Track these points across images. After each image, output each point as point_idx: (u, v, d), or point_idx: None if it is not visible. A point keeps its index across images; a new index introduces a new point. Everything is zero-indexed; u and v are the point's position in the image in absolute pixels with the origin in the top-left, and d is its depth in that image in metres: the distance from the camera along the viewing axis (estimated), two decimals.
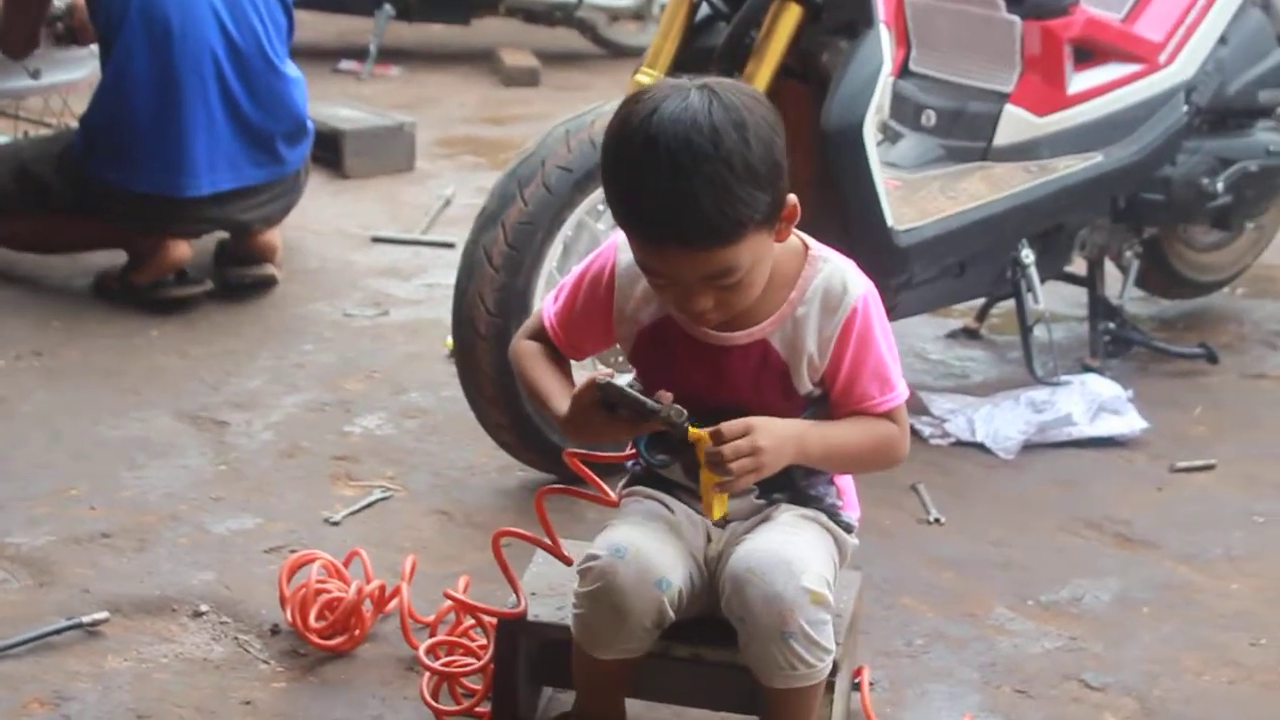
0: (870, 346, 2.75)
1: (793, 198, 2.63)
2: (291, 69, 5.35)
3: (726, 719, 3.09)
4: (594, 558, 2.73)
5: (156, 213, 5.15)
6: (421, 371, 4.80)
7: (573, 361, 2.92)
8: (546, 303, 2.91)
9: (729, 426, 2.64)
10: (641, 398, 2.64)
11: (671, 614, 2.73)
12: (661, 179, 2.51)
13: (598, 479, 2.98)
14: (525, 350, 2.90)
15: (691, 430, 2.64)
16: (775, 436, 2.65)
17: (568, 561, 2.92)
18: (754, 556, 2.68)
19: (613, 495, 2.96)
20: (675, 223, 2.52)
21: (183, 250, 5.20)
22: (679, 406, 2.64)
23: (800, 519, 2.81)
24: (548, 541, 2.98)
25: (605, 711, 2.94)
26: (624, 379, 2.71)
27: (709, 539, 2.84)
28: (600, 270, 2.84)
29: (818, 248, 2.78)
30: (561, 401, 2.77)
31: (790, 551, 2.69)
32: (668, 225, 2.53)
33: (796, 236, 2.77)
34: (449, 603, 3.31)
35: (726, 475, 2.63)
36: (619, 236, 2.78)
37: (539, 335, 2.90)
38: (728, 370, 2.76)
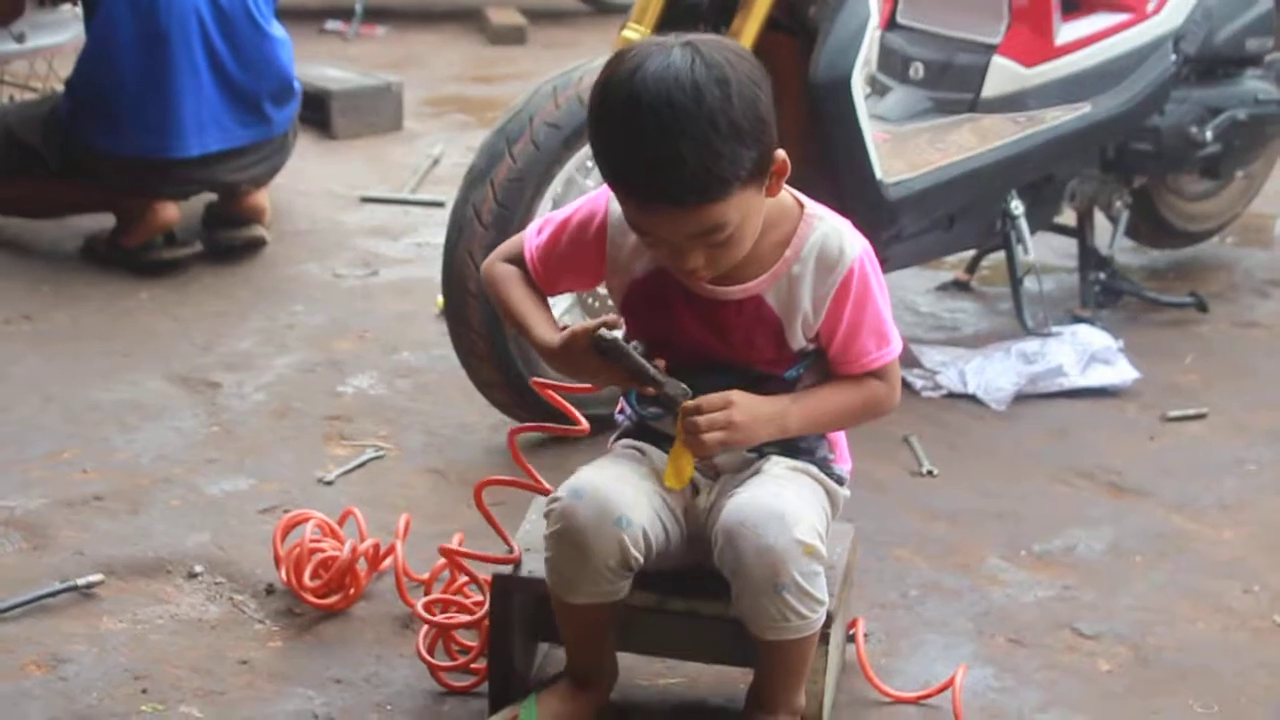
0: (867, 305, 2.76)
1: (781, 153, 2.63)
2: (277, 29, 5.33)
3: (721, 671, 3.10)
4: (555, 500, 2.76)
5: (144, 175, 5.13)
6: (412, 331, 4.80)
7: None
8: (529, 233, 2.91)
9: (708, 400, 2.67)
10: (644, 364, 2.66)
11: (635, 553, 2.73)
12: (646, 139, 2.50)
13: (569, 405, 2.99)
14: (504, 273, 2.89)
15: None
16: (752, 414, 2.69)
17: (549, 494, 2.92)
18: (746, 509, 2.69)
19: (584, 422, 2.97)
20: (661, 182, 2.52)
21: (171, 212, 5.19)
22: (683, 386, 2.68)
23: (791, 471, 2.82)
24: (529, 482, 3.00)
25: (594, 663, 2.95)
26: (619, 333, 2.72)
27: (696, 491, 2.85)
28: (590, 216, 2.84)
29: (813, 206, 2.78)
30: (545, 331, 2.78)
31: (782, 504, 2.69)
32: (654, 185, 2.53)
33: (791, 195, 2.77)
34: (443, 560, 3.33)
35: (698, 442, 2.67)
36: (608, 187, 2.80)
37: (516, 262, 2.90)
38: (721, 324, 2.76)
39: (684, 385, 2.69)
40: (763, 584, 2.66)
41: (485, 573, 3.09)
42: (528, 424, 3.27)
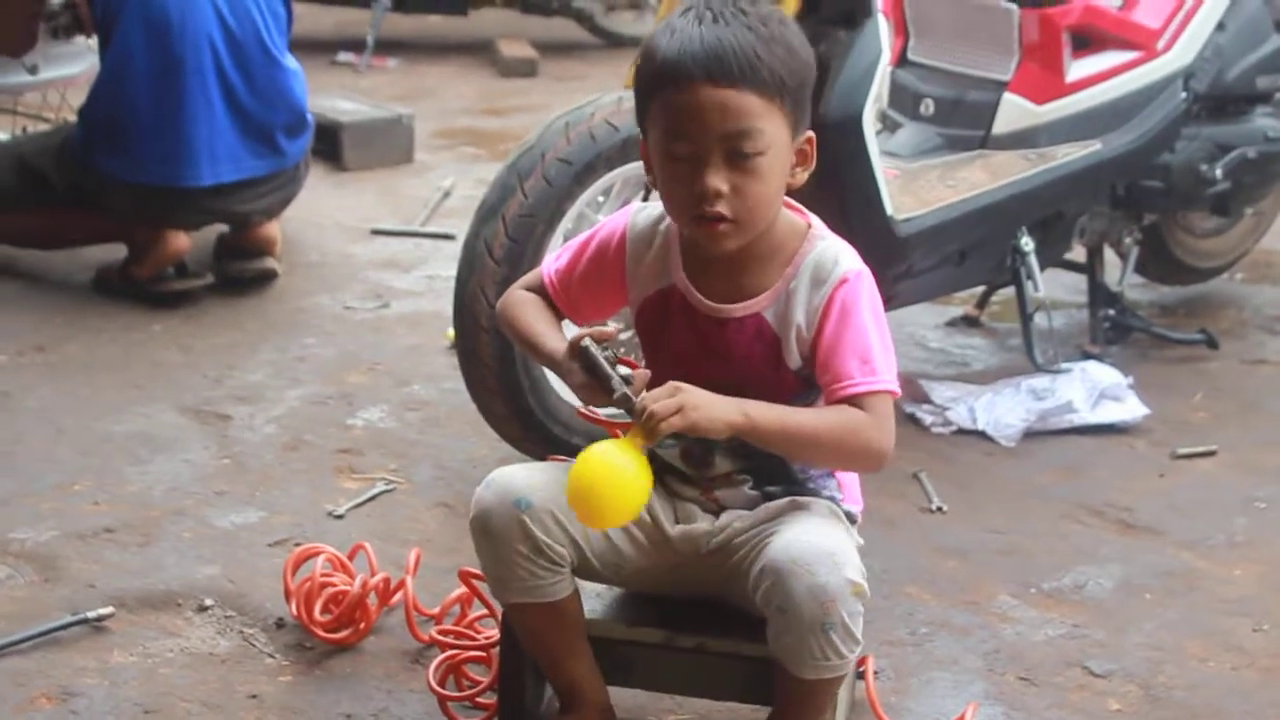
0: (851, 321, 2.73)
1: (811, 134, 2.72)
2: (290, 61, 5.35)
3: (731, 709, 3.10)
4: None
5: (157, 204, 5.15)
6: (423, 364, 4.81)
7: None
8: (546, 261, 2.94)
9: (654, 392, 2.62)
10: (610, 372, 2.65)
11: (543, 537, 2.75)
12: (700, 24, 2.63)
13: (614, 426, 2.98)
14: (518, 298, 2.93)
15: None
16: (705, 395, 2.64)
17: None
18: (796, 547, 2.66)
19: None
20: (713, 57, 2.60)
21: (182, 242, 5.20)
22: (627, 393, 2.63)
23: (824, 511, 2.81)
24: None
25: (569, 682, 2.91)
26: (621, 345, 2.73)
27: (678, 519, 2.86)
28: (610, 235, 2.86)
29: (820, 228, 2.81)
30: (554, 343, 2.80)
31: (833, 544, 2.68)
32: (705, 60, 2.60)
33: (802, 215, 2.80)
34: (454, 594, 3.34)
35: (656, 429, 2.59)
36: (632, 205, 2.85)
37: (535, 290, 2.93)
38: (721, 342, 2.78)
39: (639, 402, 2.62)
40: (812, 623, 2.65)
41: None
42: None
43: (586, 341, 2.67)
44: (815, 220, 2.82)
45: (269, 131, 5.27)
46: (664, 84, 2.65)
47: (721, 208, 2.64)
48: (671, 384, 2.64)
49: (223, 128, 5.16)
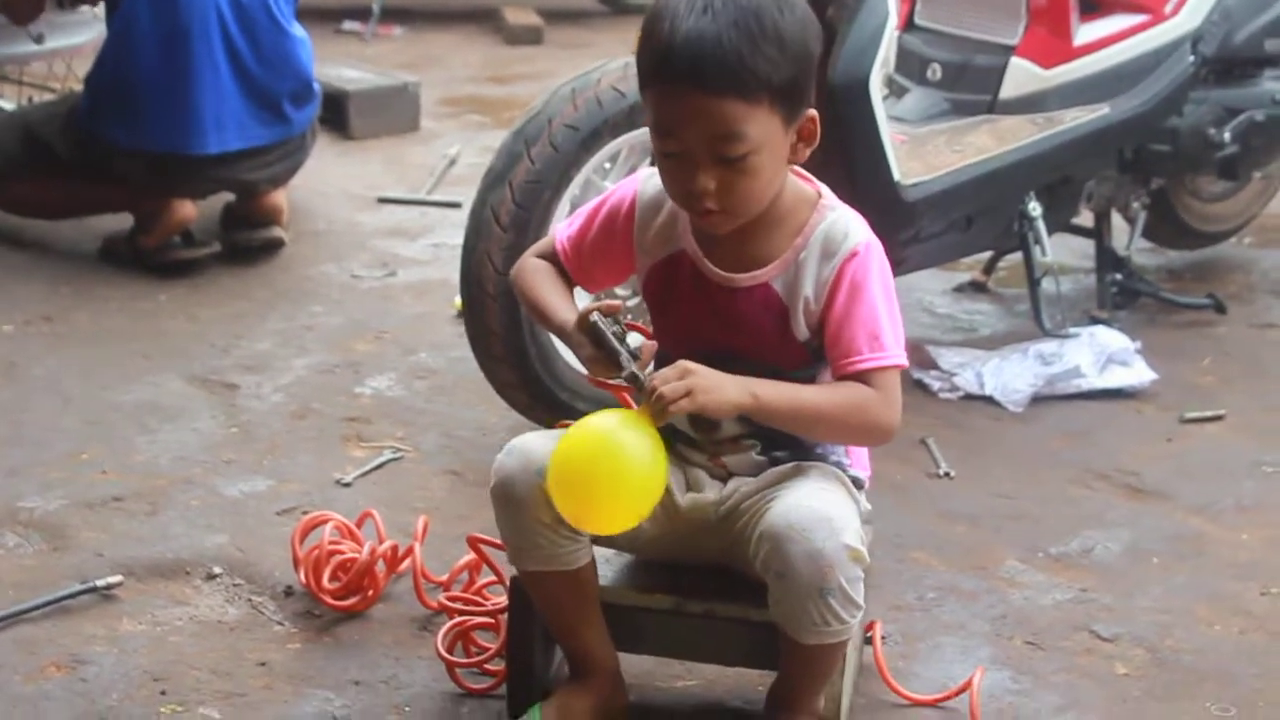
0: (862, 295, 2.72)
1: (813, 112, 2.67)
2: (298, 29, 5.35)
3: (740, 674, 3.11)
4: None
5: (163, 171, 5.15)
6: (430, 332, 4.81)
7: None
8: (559, 226, 2.94)
9: (663, 373, 2.62)
10: (618, 348, 2.65)
11: None
12: (689, 17, 2.56)
13: (622, 390, 2.97)
14: (531, 265, 2.92)
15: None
16: (713, 375, 2.63)
17: None
18: (794, 513, 2.66)
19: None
20: (696, 59, 2.55)
21: (188, 210, 5.20)
22: (643, 374, 2.63)
23: (826, 475, 2.81)
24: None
25: (582, 651, 2.93)
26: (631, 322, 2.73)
27: (688, 487, 2.87)
28: (620, 201, 2.86)
29: (830, 198, 2.79)
30: (564, 313, 2.79)
31: (831, 509, 2.68)
32: (687, 62, 2.56)
33: (811, 185, 2.79)
34: (462, 561, 3.34)
35: (664, 412, 2.59)
36: (642, 172, 2.83)
37: (547, 257, 2.92)
38: (729, 311, 2.77)
39: (645, 378, 2.63)
40: (810, 588, 2.65)
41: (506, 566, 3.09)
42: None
43: (595, 317, 2.67)
44: (825, 190, 2.80)
45: (275, 99, 5.26)
46: (652, 78, 2.64)
47: (711, 204, 2.65)
48: (681, 364, 2.63)
49: (229, 95, 5.15)
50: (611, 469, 2.58)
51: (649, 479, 2.60)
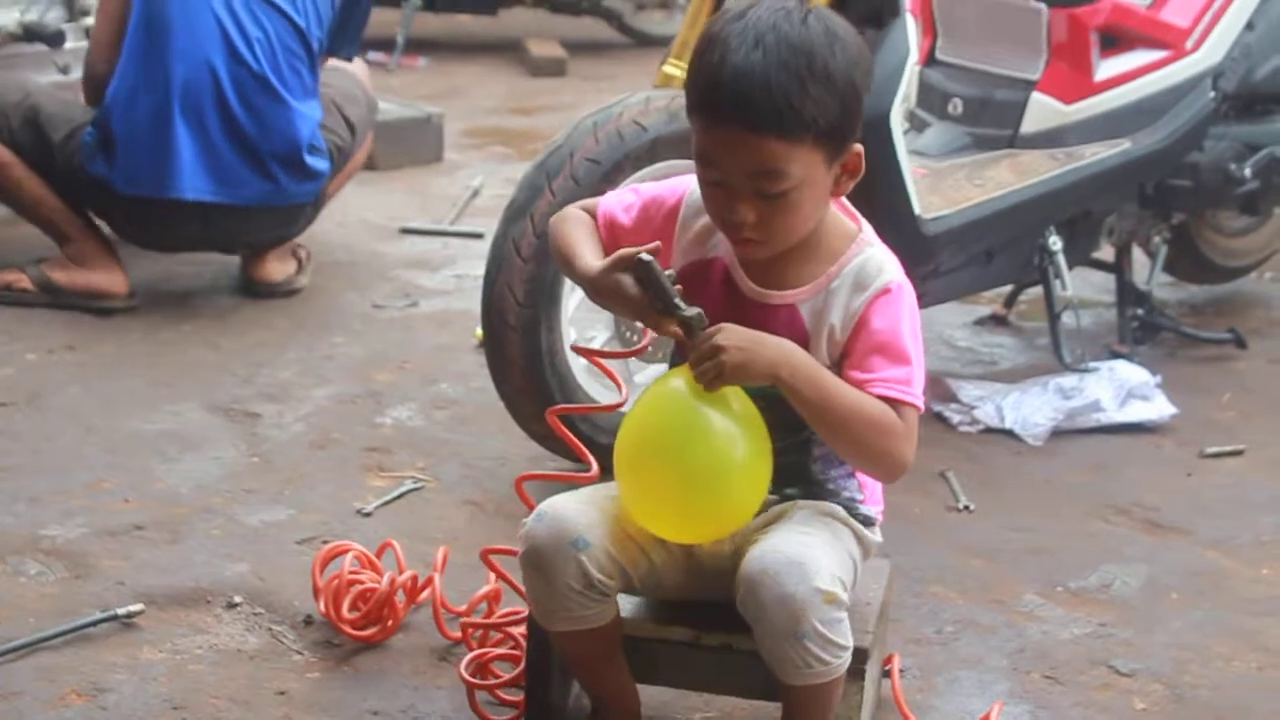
0: (891, 332, 2.71)
1: (858, 147, 2.67)
2: (309, 105, 5.22)
3: (756, 706, 3.11)
4: (523, 526, 2.78)
5: (140, 214, 5.11)
6: (451, 362, 4.82)
7: None
8: (609, 195, 2.93)
9: (709, 331, 2.62)
10: (671, 290, 2.63)
11: (599, 575, 2.73)
12: (740, 51, 2.56)
13: (579, 443, 3.06)
14: (574, 214, 2.90)
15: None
16: (743, 337, 2.62)
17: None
18: (767, 558, 2.66)
19: (594, 465, 2.99)
20: (742, 99, 2.55)
21: (117, 283, 5.14)
22: (700, 312, 2.63)
23: (814, 516, 2.80)
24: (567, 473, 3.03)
25: (606, 693, 2.95)
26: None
27: None
28: (667, 196, 2.86)
29: (869, 234, 2.80)
30: (591, 260, 2.76)
31: (803, 552, 2.67)
32: (733, 100, 2.56)
33: (855, 221, 2.80)
34: (480, 591, 3.35)
35: (713, 354, 2.60)
36: (690, 176, 2.81)
37: (588, 213, 2.92)
38: (753, 325, 2.72)
39: (704, 316, 2.63)
40: (784, 631, 2.65)
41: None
42: (537, 474, 3.25)
43: (648, 256, 2.64)
44: (866, 226, 2.81)
45: (262, 158, 5.12)
46: (697, 108, 2.65)
47: (750, 234, 2.66)
48: (718, 326, 2.63)
49: (214, 146, 5.04)
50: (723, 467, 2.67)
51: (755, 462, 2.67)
